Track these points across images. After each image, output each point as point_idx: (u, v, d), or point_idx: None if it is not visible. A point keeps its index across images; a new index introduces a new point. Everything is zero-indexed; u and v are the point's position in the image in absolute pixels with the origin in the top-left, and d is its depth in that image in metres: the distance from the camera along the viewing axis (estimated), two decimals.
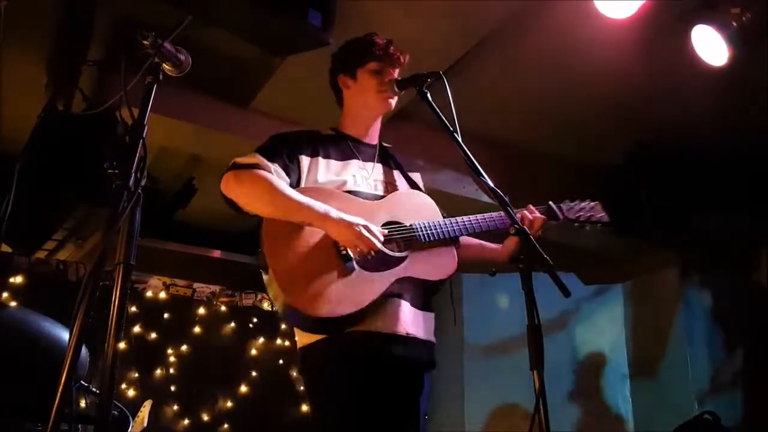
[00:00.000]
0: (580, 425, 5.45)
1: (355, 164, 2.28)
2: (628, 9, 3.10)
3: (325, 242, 2.06)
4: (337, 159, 2.26)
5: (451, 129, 2.07)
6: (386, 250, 2.10)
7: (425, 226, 2.19)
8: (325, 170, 2.20)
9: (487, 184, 1.98)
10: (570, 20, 3.40)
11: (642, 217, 4.92)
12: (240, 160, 2.12)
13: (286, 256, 2.02)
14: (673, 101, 4.06)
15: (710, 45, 3.26)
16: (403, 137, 4.36)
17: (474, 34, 3.38)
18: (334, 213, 2.02)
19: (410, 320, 2.12)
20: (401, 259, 2.12)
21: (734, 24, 3.17)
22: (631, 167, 4.74)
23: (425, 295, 2.21)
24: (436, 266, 2.18)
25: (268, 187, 2.04)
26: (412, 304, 2.14)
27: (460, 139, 2.05)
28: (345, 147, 2.32)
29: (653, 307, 5.55)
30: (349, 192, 2.19)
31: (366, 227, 2.02)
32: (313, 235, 2.06)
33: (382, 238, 2.06)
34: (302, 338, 2.11)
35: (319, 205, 2.03)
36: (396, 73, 2.33)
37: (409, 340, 2.10)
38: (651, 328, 5.54)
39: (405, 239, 2.16)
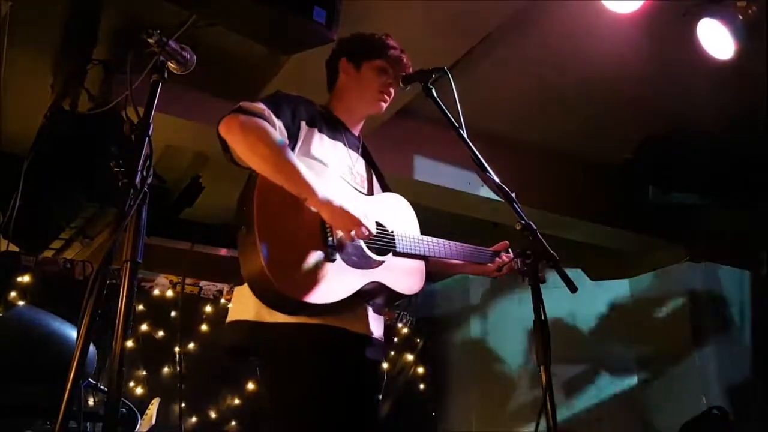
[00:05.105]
0: None
1: (342, 148, 2.22)
2: (633, 4, 3.09)
3: (313, 221, 1.95)
4: (329, 137, 2.17)
5: (457, 125, 2.06)
6: (366, 250, 2.05)
7: (405, 237, 2.17)
8: (318, 144, 2.09)
9: (493, 181, 1.97)
10: (576, 15, 3.39)
11: (650, 212, 4.91)
12: (246, 105, 1.97)
13: (274, 221, 1.88)
14: (680, 95, 4.05)
15: (716, 38, 3.25)
16: (407, 133, 4.38)
17: (479, 31, 3.36)
18: (337, 201, 1.90)
19: (374, 322, 2.13)
20: (379, 263, 2.08)
21: (740, 17, 3.17)
22: (639, 162, 4.73)
23: (387, 301, 2.19)
24: (406, 280, 2.15)
25: (273, 145, 1.89)
26: (373, 309, 2.15)
27: (465, 136, 2.05)
28: (336, 128, 2.25)
29: (661, 301, 5.54)
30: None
31: (365, 216, 1.94)
32: (304, 210, 1.94)
33: (374, 232, 2.00)
34: (263, 314, 1.97)
35: (320, 187, 1.90)
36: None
37: (375, 342, 2.12)
38: (659, 322, 5.53)
39: (384, 244, 2.12)
